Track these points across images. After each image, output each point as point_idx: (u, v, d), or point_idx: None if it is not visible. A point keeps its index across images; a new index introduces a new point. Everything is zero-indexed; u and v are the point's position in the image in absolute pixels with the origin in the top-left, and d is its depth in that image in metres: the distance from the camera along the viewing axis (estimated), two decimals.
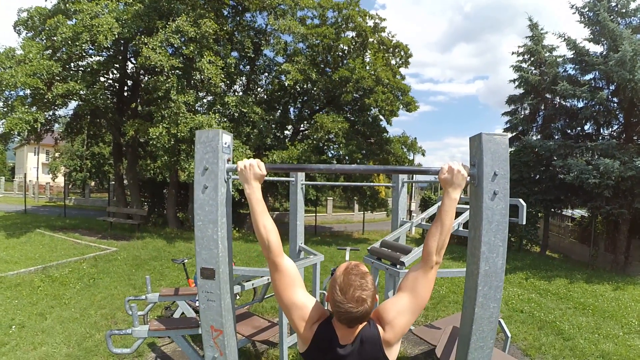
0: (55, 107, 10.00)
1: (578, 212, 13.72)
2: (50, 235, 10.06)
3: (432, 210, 4.50)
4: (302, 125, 15.82)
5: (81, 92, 9.52)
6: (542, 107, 13.20)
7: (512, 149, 14.15)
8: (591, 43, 11.49)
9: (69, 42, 8.97)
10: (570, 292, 7.21)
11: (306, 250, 4.15)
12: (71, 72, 10.23)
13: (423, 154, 15.44)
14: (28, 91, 9.03)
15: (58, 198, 19.68)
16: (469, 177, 1.62)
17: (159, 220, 14.29)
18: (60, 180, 20.58)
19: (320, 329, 1.42)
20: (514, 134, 14.46)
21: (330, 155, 14.63)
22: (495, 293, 1.82)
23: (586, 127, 12.10)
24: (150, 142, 10.25)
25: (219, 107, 12.34)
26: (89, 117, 11.11)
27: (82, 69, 10.75)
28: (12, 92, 9.11)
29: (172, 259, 6.15)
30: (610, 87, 11.19)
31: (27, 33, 10.42)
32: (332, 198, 22.86)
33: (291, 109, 16.35)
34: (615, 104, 11.24)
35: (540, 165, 12.38)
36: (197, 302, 3.72)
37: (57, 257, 7.79)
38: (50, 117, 10.26)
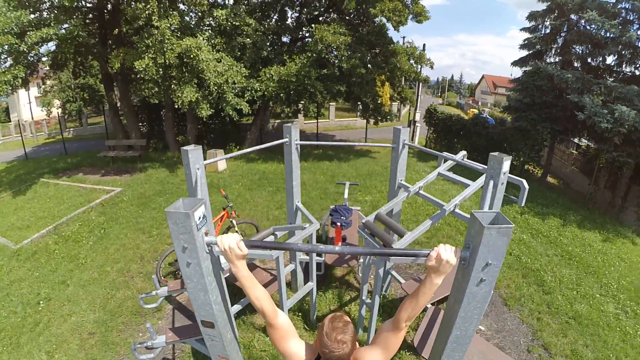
0: (34, 51, 9.18)
1: (584, 141, 13.44)
2: (55, 183, 10.08)
3: (431, 177, 4.30)
4: (300, 33, 14.51)
5: (58, 33, 8.69)
6: (565, 29, 11.95)
7: (528, 69, 13.31)
8: None
9: None
10: (561, 236, 7.36)
11: (303, 211, 4.20)
12: (43, 15, 9.17)
13: (431, 67, 14.29)
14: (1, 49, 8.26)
15: (56, 132, 19.20)
16: (457, 259, 1.59)
17: (159, 144, 14.19)
18: (56, 114, 19.88)
19: None
20: (531, 51, 13.46)
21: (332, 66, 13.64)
22: (462, 352, 1.93)
23: (608, 60, 11.11)
24: (138, 75, 9.70)
25: (209, 21, 11.28)
26: (72, 51, 10.31)
27: (55, 8, 9.56)
28: None
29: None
30: None
31: None
32: (334, 104, 22.11)
33: (289, 14, 14.69)
34: None
35: (554, 91, 11.74)
36: None
37: (65, 211, 7.94)
38: (32, 59, 9.52)
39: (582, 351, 4.02)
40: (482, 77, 56.90)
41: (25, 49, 8.28)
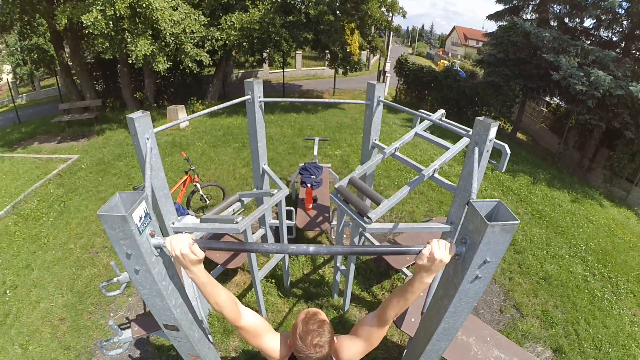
0: None
1: (555, 100, 13.57)
2: (10, 157, 9.21)
3: (407, 138, 4.00)
4: None
5: None
6: None
7: (503, 24, 13.01)
8: None
9: None
10: (531, 194, 7.42)
11: (270, 175, 3.90)
12: None
13: (404, 16, 13.63)
14: None
15: (9, 100, 17.40)
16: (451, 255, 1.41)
17: (116, 103, 13.14)
18: (6, 80, 17.79)
19: None
20: (507, 6, 13.10)
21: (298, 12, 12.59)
22: (448, 341, 1.82)
23: (586, 22, 10.91)
24: (87, 31, 8.66)
25: None
26: (17, 11, 9.01)
27: None
28: None
29: (133, 187, 5.97)
30: None
31: None
32: (300, 53, 21.02)
33: None
34: (623, 10, 9.89)
35: (529, 49, 11.56)
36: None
37: (22, 187, 7.29)
38: None
39: (552, 312, 4.16)
40: (454, 28, 56.05)
41: None
